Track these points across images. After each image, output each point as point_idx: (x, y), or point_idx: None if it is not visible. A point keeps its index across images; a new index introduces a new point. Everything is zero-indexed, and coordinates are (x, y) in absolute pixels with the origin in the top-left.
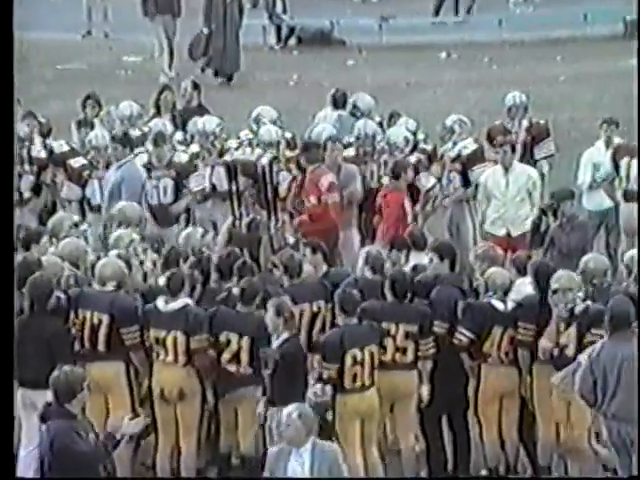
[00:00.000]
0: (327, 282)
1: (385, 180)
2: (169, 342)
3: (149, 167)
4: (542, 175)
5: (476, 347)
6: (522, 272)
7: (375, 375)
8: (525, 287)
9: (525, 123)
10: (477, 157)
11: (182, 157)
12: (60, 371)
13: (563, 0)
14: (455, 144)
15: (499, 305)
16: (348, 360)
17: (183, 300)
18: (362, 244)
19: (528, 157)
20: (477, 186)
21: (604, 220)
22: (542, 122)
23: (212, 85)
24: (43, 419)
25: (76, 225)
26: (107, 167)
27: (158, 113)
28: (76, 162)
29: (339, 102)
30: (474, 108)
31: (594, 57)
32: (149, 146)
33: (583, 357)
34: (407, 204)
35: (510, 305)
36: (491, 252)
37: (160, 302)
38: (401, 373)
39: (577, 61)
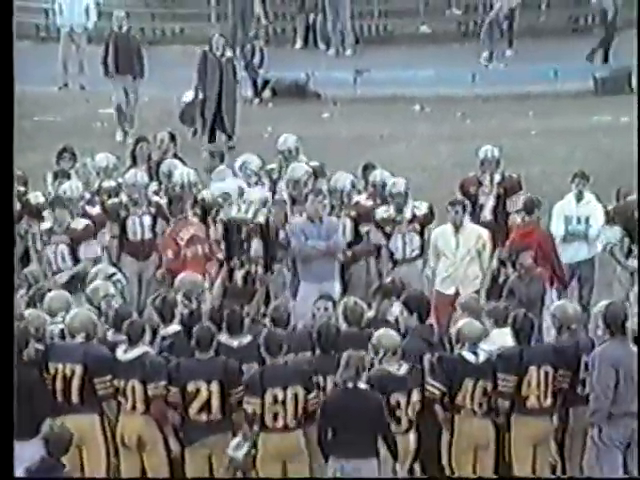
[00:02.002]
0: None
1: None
2: (128, 390)
3: (49, 233)
4: (514, 228)
5: (448, 399)
6: (499, 323)
7: (301, 419)
8: (503, 338)
9: (497, 177)
10: (431, 216)
11: (79, 223)
12: (52, 425)
13: (533, 57)
14: (402, 208)
15: (470, 357)
16: (268, 398)
17: (141, 348)
18: (343, 295)
19: (501, 210)
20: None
21: (578, 272)
22: (514, 176)
23: (187, 136)
24: (31, 473)
25: (110, 276)
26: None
27: (134, 164)
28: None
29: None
30: (446, 161)
31: (565, 112)
32: (50, 211)
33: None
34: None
35: (482, 356)
36: (472, 303)
37: (119, 351)
38: None
39: (548, 116)
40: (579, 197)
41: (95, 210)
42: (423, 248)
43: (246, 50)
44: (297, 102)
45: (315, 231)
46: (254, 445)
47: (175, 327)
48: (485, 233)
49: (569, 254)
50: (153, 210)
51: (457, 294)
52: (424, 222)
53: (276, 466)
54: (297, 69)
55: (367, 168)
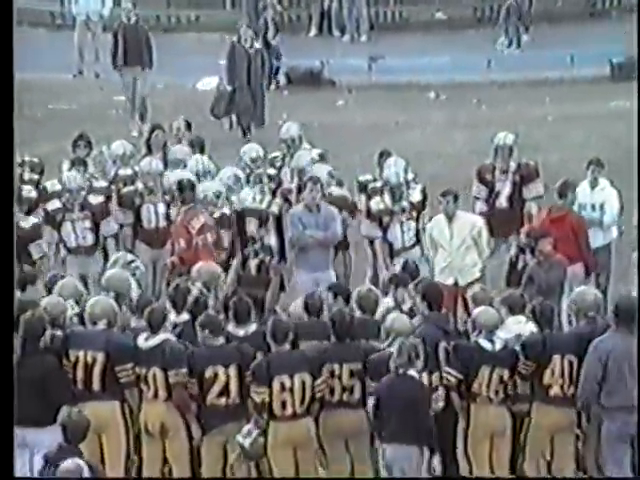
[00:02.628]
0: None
1: None
2: (150, 378)
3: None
4: (530, 215)
5: (465, 387)
6: (514, 311)
7: (310, 405)
8: (518, 326)
9: (513, 164)
10: (423, 201)
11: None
12: (69, 412)
13: (550, 42)
14: (401, 196)
15: (487, 345)
16: (276, 386)
17: (162, 336)
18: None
19: (517, 197)
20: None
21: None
22: (532, 163)
23: (202, 124)
24: (49, 460)
25: (129, 263)
26: (82, 209)
27: (149, 152)
28: (52, 205)
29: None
30: (462, 148)
31: (582, 98)
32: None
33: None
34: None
35: (499, 344)
36: (481, 294)
37: (140, 339)
38: (348, 412)
39: (565, 102)
40: (594, 184)
41: (97, 199)
42: (419, 234)
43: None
44: (312, 90)
45: (313, 220)
46: (263, 433)
47: (185, 316)
48: (479, 221)
49: None
50: (168, 198)
51: (456, 284)
52: (419, 208)
53: (287, 453)
54: (312, 56)
55: (382, 155)
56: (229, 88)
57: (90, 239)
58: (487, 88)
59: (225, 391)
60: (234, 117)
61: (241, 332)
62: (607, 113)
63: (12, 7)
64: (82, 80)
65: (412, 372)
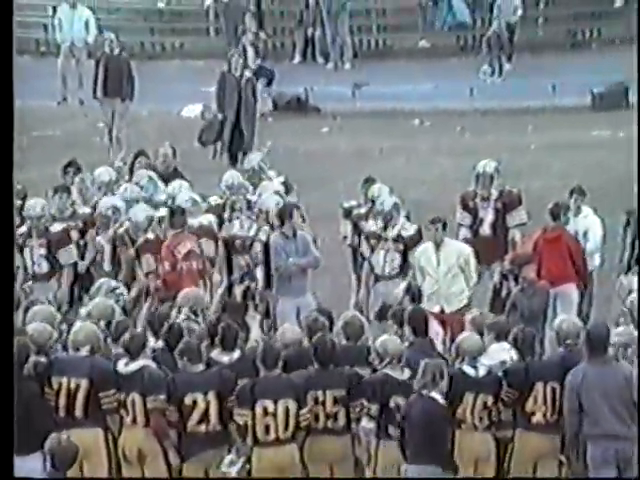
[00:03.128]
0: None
1: None
2: (129, 404)
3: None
4: (514, 242)
5: (449, 413)
6: (500, 337)
7: (295, 432)
8: (501, 353)
9: (494, 191)
10: (418, 238)
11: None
12: (58, 439)
13: (531, 71)
14: (393, 226)
15: (470, 371)
16: (259, 409)
17: (141, 362)
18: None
19: (500, 225)
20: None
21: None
22: (514, 190)
23: (187, 152)
24: None
25: (113, 290)
26: (40, 237)
27: (131, 179)
28: (20, 230)
29: None
30: (446, 175)
31: (563, 127)
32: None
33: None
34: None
35: (482, 370)
36: (480, 319)
37: (120, 364)
38: (333, 438)
39: (547, 131)
40: (577, 212)
41: (57, 228)
42: (403, 268)
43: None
44: (296, 116)
45: (293, 248)
46: (248, 460)
47: (161, 342)
48: (467, 249)
49: None
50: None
51: (442, 312)
52: (409, 244)
53: None
54: (296, 83)
55: (367, 182)
56: (219, 117)
57: (45, 267)
58: (470, 116)
59: (205, 418)
60: (219, 146)
61: (225, 359)
62: (588, 142)
63: (12, 36)
64: (66, 107)
65: (435, 394)
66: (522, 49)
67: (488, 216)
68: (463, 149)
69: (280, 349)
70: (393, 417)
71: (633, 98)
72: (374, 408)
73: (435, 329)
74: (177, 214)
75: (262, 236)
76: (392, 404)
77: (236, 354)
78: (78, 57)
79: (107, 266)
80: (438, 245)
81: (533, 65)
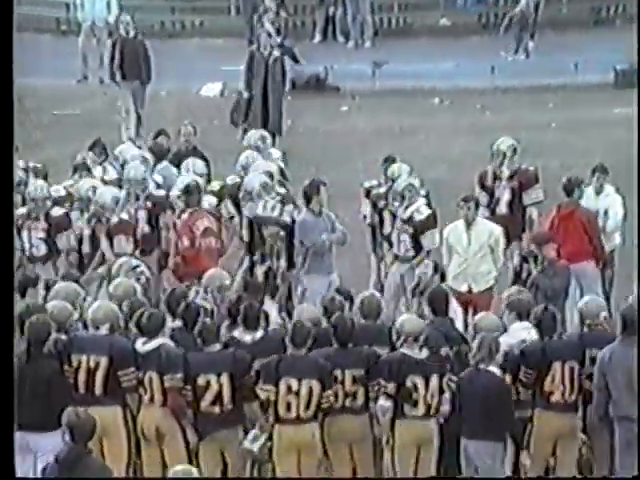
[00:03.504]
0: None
1: None
2: (146, 382)
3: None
4: (531, 221)
5: None
6: (522, 317)
7: (316, 412)
8: (524, 332)
9: (506, 170)
10: (430, 223)
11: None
12: (76, 412)
13: (553, 49)
14: (407, 207)
15: None
16: (282, 387)
17: (159, 340)
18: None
19: (517, 203)
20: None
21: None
22: (531, 169)
23: (207, 130)
24: (59, 461)
25: (134, 268)
26: (40, 219)
27: (155, 157)
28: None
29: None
30: (466, 153)
31: (585, 105)
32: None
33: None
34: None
35: (501, 350)
36: (516, 301)
37: (139, 343)
38: (351, 417)
39: (568, 108)
40: (599, 190)
41: (58, 212)
42: (417, 251)
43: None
44: (316, 95)
45: (322, 224)
46: (270, 437)
47: (178, 322)
48: (497, 229)
49: None
50: (150, 205)
51: (470, 291)
52: (419, 227)
53: (291, 458)
54: (316, 62)
55: (387, 161)
56: (246, 95)
57: (43, 250)
58: (491, 94)
59: (218, 399)
60: (247, 125)
61: (248, 338)
62: (610, 120)
63: (12, 13)
64: (86, 86)
65: (492, 367)
66: (545, 26)
67: (504, 195)
68: (483, 127)
69: (310, 328)
70: (410, 396)
71: None
72: (390, 387)
73: (454, 308)
74: (193, 192)
75: (286, 217)
76: (409, 383)
77: (259, 333)
78: (99, 36)
79: (86, 248)
80: (469, 224)
81: (556, 43)
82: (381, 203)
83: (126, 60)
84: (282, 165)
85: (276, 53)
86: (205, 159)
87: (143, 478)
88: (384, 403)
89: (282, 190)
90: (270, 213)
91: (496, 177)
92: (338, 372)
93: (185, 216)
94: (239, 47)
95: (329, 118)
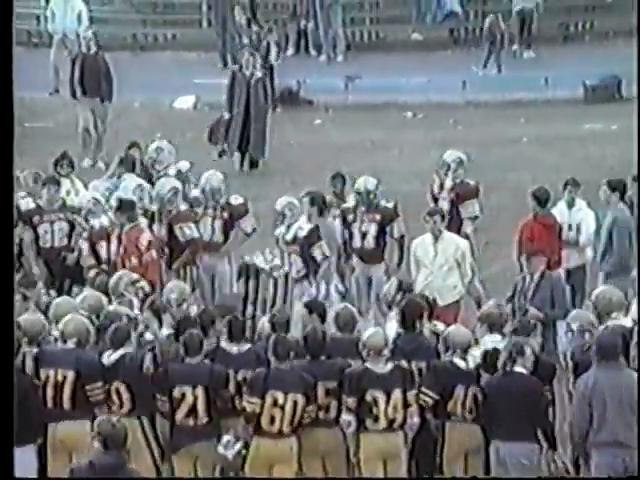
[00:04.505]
0: None
1: None
2: (113, 393)
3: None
4: (466, 235)
5: (440, 406)
6: (493, 329)
7: (296, 427)
8: (494, 345)
9: (449, 182)
10: (314, 236)
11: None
12: (108, 421)
13: (524, 64)
14: (289, 227)
15: (461, 363)
16: (268, 399)
17: (122, 351)
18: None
19: (455, 216)
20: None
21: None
22: (471, 182)
23: (180, 144)
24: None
25: (133, 283)
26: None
27: (125, 169)
28: None
29: None
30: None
31: (556, 120)
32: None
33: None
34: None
35: (472, 363)
36: (488, 314)
37: (105, 356)
38: (325, 430)
39: (540, 123)
40: (571, 204)
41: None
42: (380, 244)
43: (261, 47)
44: (289, 109)
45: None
46: (246, 446)
47: (165, 331)
48: (464, 243)
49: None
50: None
51: (435, 304)
52: (385, 215)
53: (264, 470)
54: (289, 76)
55: (335, 178)
56: (226, 115)
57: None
58: (463, 108)
59: (193, 411)
60: (226, 146)
61: (234, 349)
62: (581, 135)
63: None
64: (58, 98)
65: (520, 369)
66: (514, 42)
67: (444, 206)
68: (455, 142)
69: (292, 341)
70: (370, 410)
71: (626, 91)
72: (351, 401)
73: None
74: (128, 208)
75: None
76: (369, 397)
77: (245, 346)
78: (70, 48)
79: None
80: (436, 237)
81: (526, 58)
82: (341, 210)
83: (86, 76)
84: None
85: (259, 74)
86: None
87: (148, 478)
88: (346, 417)
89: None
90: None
91: (439, 187)
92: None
93: (125, 235)
94: (211, 60)
95: (302, 131)
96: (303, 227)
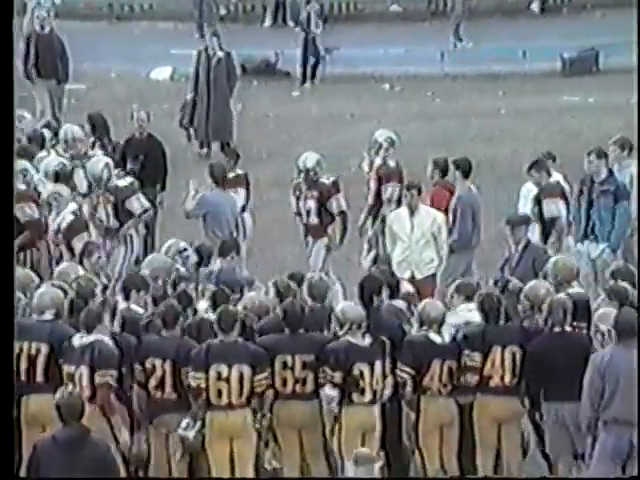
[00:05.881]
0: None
1: None
2: (76, 377)
3: None
4: (382, 218)
5: (418, 381)
6: (469, 299)
7: (250, 397)
8: (469, 313)
9: (378, 161)
10: (332, 189)
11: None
12: (62, 392)
13: (502, 36)
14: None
15: (436, 338)
16: (212, 373)
17: (95, 336)
18: None
19: (380, 194)
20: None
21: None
22: (392, 164)
23: (157, 114)
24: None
25: (180, 252)
26: None
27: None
28: None
29: None
30: (417, 139)
31: (534, 92)
32: None
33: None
34: None
35: (447, 337)
36: (464, 284)
37: (76, 338)
38: (301, 403)
39: (517, 96)
40: (536, 181)
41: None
42: (322, 219)
43: (302, 18)
44: (267, 80)
45: None
46: (204, 425)
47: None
48: (440, 217)
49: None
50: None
51: (413, 278)
52: (323, 191)
53: (223, 444)
54: (267, 47)
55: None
56: (189, 97)
57: None
58: (441, 81)
59: (161, 384)
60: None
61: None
62: (558, 107)
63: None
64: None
65: (567, 327)
66: (492, 13)
67: (371, 184)
68: (434, 114)
69: (237, 313)
70: (357, 384)
71: (603, 64)
72: (337, 376)
73: (407, 290)
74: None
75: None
76: (356, 371)
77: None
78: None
79: None
80: (413, 211)
81: (503, 30)
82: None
83: (41, 57)
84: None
85: (220, 54)
86: (161, 147)
87: (145, 478)
88: (330, 392)
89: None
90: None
91: (369, 167)
92: (288, 358)
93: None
94: (188, 31)
95: (280, 103)
96: (65, 218)
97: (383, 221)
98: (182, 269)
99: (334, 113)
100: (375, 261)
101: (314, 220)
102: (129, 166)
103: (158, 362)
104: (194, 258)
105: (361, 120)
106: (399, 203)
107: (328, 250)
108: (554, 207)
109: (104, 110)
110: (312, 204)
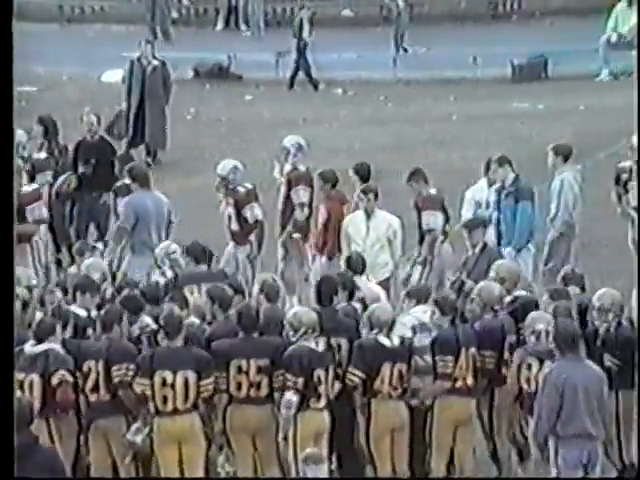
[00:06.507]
0: None
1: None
2: (26, 385)
3: None
4: (296, 221)
5: (368, 384)
6: (420, 302)
7: (195, 401)
8: (423, 315)
9: (288, 166)
10: (247, 199)
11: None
12: (17, 399)
13: (453, 42)
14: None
15: (386, 341)
16: (157, 380)
17: (46, 345)
18: None
19: (290, 201)
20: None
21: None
22: (302, 169)
23: (109, 117)
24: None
25: (169, 254)
26: None
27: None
28: None
29: None
30: (369, 145)
31: (485, 98)
32: None
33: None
34: None
35: (396, 340)
36: (415, 289)
37: (27, 345)
38: (255, 408)
39: (469, 101)
40: (491, 183)
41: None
42: (242, 226)
43: (294, 24)
44: (219, 84)
45: None
46: (152, 429)
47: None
48: (396, 221)
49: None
50: None
51: (354, 283)
52: (239, 199)
53: (172, 449)
54: (219, 51)
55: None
56: (124, 106)
57: None
58: (393, 85)
59: (96, 386)
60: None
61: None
62: (508, 113)
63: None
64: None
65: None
66: (444, 19)
67: (282, 190)
68: (386, 119)
69: (182, 318)
70: (316, 389)
71: (552, 71)
72: (300, 382)
73: (376, 293)
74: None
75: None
76: (315, 377)
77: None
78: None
79: None
80: (369, 215)
81: (455, 36)
82: None
83: None
84: None
85: (155, 62)
86: (113, 150)
87: (146, 478)
88: (291, 397)
89: None
90: None
91: (281, 173)
92: (243, 362)
93: None
94: (140, 33)
95: (233, 107)
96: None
97: (294, 226)
98: (169, 272)
99: (287, 117)
100: (348, 264)
101: (235, 227)
102: (80, 170)
103: (92, 364)
104: (181, 261)
105: (313, 124)
106: (310, 207)
107: (249, 258)
108: (432, 219)
109: (55, 113)
110: (231, 211)
